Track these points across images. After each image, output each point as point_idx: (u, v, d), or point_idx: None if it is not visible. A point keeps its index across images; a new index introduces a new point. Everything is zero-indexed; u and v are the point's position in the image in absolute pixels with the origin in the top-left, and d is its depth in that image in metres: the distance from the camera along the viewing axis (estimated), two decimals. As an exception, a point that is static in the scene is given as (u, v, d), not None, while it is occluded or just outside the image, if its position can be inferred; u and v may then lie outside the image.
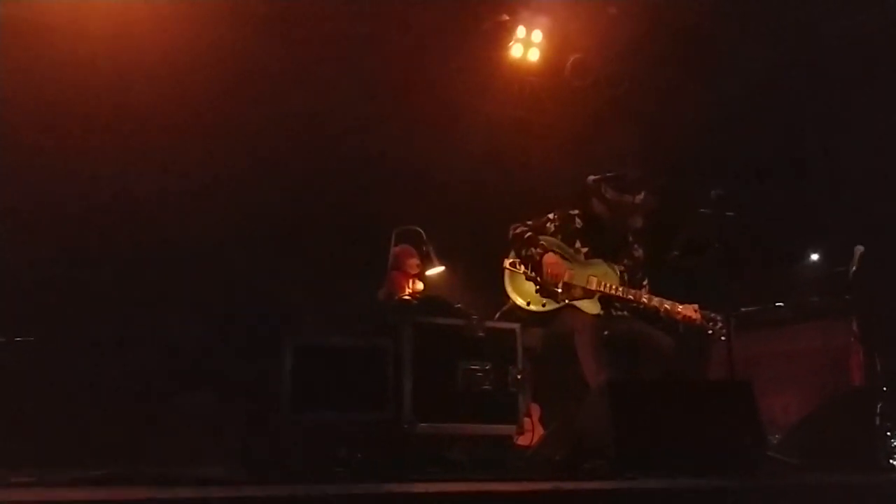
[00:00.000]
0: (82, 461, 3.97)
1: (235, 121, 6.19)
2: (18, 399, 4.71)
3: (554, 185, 6.22)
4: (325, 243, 6.49)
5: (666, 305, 4.61)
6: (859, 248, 5.30)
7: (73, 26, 5.67)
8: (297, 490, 2.80)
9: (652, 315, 4.65)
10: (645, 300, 4.64)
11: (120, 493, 2.76)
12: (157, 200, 5.96)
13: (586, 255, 4.77)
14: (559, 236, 4.78)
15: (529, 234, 4.73)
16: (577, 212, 4.84)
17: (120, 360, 5.20)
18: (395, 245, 5.71)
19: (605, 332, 4.53)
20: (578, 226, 4.81)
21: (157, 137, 5.91)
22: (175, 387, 5.20)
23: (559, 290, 4.62)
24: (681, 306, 4.61)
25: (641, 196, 4.67)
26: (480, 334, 4.49)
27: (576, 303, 4.63)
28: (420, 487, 3.02)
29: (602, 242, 4.79)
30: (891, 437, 4.46)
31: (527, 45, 6.94)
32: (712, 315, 4.61)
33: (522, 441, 4.72)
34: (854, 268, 5.28)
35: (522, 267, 4.70)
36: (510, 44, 6.91)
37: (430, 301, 5.28)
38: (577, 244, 4.79)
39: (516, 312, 4.69)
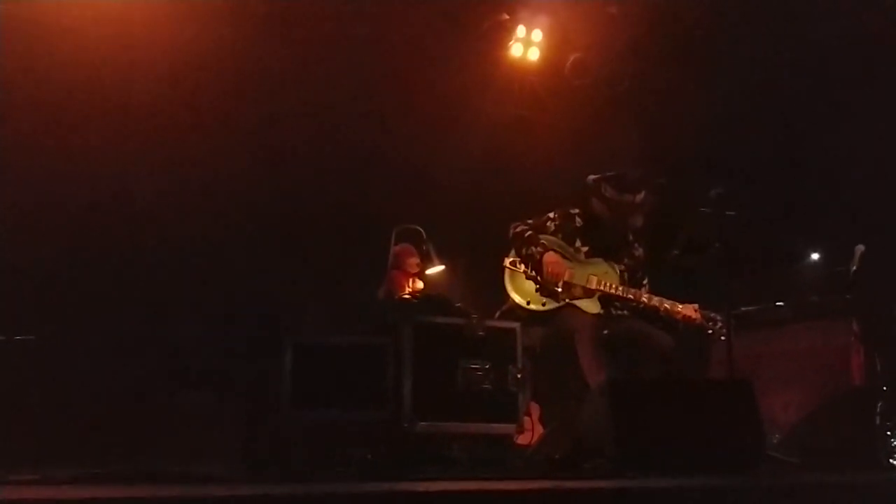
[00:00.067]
0: (83, 459, 3.97)
1: (235, 120, 6.19)
2: (19, 397, 4.72)
3: (554, 185, 6.21)
4: (324, 242, 6.50)
5: (666, 305, 4.62)
6: (859, 248, 5.30)
7: (73, 26, 5.67)
8: (297, 489, 2.80)
9: (652, 314, 4.65)
10: (645, 299, 4.64)
11: (120, 492, 2.76)
12: (157, 200, 5.96)
13: (586, 255, 4.78)
14: (559, 235, 4.78)
15: (530, 232, 4.73)
16: (577, 211, 4.83)
17: (120, 359, 5.21)
18: (395, 244, 5.71)
19: (605, 332, 4.54)
20: (578, 225, 4.81)
21: (157, 137, 5.91)
22: (175, 386, 5.20)
23: (559, 290, 4.62)
24: (681, 306, 4.61)
25: (641, 195, 4.67)
26: (480, 333, 4.49)
27: (576, 302, 4.63)
28: (420, 486, 3.02)
29: (602, 242, 4.79)
30: (891, 437, 4.47)
31: (527, 45, 6.95)
32: (712, 314, 4.61)
33: (522, 440, 4.72)
34: (854, 267, 5.28)
35: (522, 266, 4.70)
36: (510, 43, 6.92)
37: (430, 300, 5.27)
38: (578, 243, 4.79)
39: (516, 311, 4.69)
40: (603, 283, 4.65)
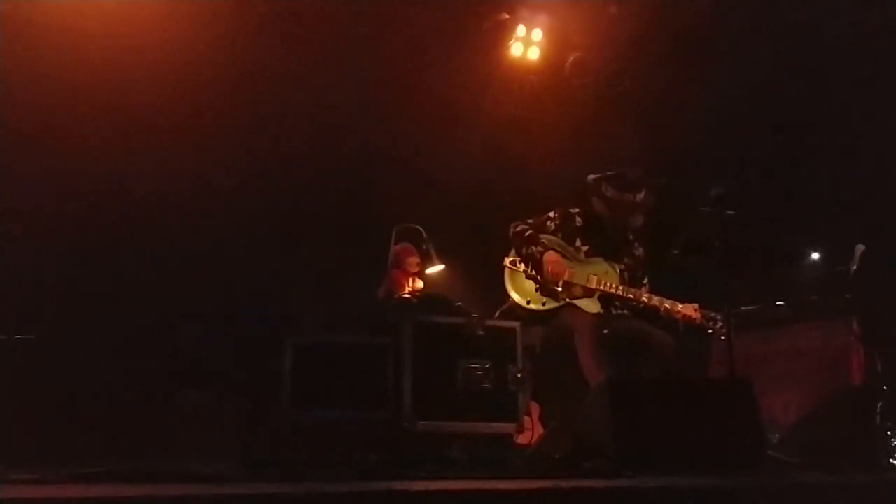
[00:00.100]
0: (83, 459, 3.97)
1: (235, 120, 6.19)
2: (19, 397, 4.71)
3: (554, 184, 6.22)
4: (324, 242, 6.50)
5: (666, 304, 4.62)
6: (859, 248, 5.30)
7: (73, 26, 5.67)
8: (297, 489, 2.80)
9: (652, 314, 4.66)
10: (645, 299, 4.65)
11: (120, 491, 2.76)
12: (157, 200, 5.97)
13: (586, 254, 4.78)
14: (559, 235, 4.78)
15: (530, 232, 4.72)
16: (577, 210, 4.84)
17: (120, 358, 5.21)
18: (395, 243, 5.71)
19: (605, 331, 4.54)
20: (579, 224, 4.82)
21: (157, 137, 5.91)
22: (175, 385, 5.20)
23: (559, 289, 4.62)
24: (681, 305, 4.61)
25: (642, 195, 4.67)
26: (480, 333, 4.48)
27: (576, 301, 4.63)
28: (420, 486, 3.02)
29: (602, 241, 4.79)
30: (891, 437, 4.46)
31: (527, 44, 6.95)
32: (712, 314, 4.61)
33: (522, 440, 4.72)
34: (854, 267, 5.28)
35: (522, 265, 4.70)
36: (510, 42, 6.92)
37: (429, 299, 5.28)
38: (578, 243, 4.79)
39: (516, 311, 4.69)
40: (603, 282, 4.65)
